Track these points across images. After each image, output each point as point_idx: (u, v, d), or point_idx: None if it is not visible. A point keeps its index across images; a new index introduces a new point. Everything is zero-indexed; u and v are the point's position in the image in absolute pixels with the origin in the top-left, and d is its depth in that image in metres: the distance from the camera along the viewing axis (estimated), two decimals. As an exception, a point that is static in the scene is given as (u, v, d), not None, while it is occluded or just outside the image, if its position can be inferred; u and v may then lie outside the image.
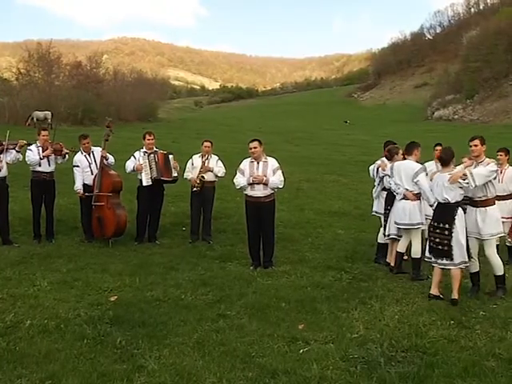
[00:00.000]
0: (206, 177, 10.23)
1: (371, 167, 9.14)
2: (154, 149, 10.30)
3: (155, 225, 10.44)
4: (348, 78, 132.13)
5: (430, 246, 7.34)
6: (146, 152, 10.20)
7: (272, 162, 8.58)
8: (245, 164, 8.64)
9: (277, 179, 8.45)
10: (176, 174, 10.17)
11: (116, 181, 10.09)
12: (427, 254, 7.41)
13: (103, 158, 10.15)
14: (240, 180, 8.53)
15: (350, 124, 60.13)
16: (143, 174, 10.01)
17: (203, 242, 10.28)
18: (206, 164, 10.30)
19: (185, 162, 10.77)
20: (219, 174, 10.37)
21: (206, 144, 10.48)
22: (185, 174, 10.45)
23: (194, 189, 10.29)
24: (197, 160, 10.47)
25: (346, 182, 19.31)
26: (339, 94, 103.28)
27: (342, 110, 77.59)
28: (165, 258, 9.13)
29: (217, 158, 10.53)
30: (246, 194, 8.69)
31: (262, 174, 8.39)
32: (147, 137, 10.26)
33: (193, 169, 10.44)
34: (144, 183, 10.03)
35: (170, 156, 10.23)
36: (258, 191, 8.48)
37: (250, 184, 8.36)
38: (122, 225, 10.02)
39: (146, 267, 8.53)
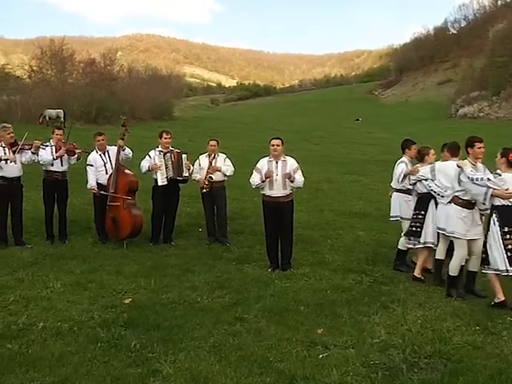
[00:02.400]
0: (214, 177, 10.20)
1: (398, 172, 8.84)
2: (170, 148, 10.33)
3: (171, 225, 10.46)
4: (368, 75, 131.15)
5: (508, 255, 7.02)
6: (161, 151, 10.23)
7: (291, 162, 8.59)
8: (262, 163, 8.64)
9: (299, 179, 8.50)
10: (187, 174, 10.20)
11: (132, 180, 10.12)
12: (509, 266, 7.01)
13: (120, 148, 10.13)
14: (256, 179, 8.53)
15: (362, 121, 59.71)
16: (158, 174, 10.05)
17: (220, 244, 10.27)
18: (213, 164, 10.29)
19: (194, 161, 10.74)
20: (227, 173, 10.34)
21: (211, 143, 10.45)
22: (193, 175, 10.46)
23: (203, 190, 10.29)
24: (204, 160, 10.45)
25: (366, 182, 19.21)
26: (359, 91, 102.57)
27: (363, 107, 76.95)
28: (180, 260, 9.14)
29: (224, 156, 10.49)
30: (263, 194, 8.68)
31: (281, 173, 8.39)
32: (164, 135, 10.28)
33: (200, 169, 10.43)
34: (159, 183, 10.06)
35: (184, 155, 10.29)
36: (277, 191, 8.46)
37: (263, 181, 8.36)
38: (138, 226, 10.06)
39: (161, 269, 8.54)
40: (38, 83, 44.47)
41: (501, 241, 7.00)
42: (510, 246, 6.96)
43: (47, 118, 34.93)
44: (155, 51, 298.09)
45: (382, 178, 17.90)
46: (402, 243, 8.88)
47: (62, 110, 35.75)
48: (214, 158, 10.35)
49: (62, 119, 34.66)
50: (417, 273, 8.30)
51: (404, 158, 8.91)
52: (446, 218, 7.74)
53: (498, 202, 7.09)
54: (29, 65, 48.23)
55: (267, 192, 8.55)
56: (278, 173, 8.43)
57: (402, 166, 8.75)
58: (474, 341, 5.96)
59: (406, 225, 8.85)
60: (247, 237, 10.94)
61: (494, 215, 7.14)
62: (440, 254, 8.19)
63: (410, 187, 8.75)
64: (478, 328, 6.33)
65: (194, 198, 13.15)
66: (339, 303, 7.06)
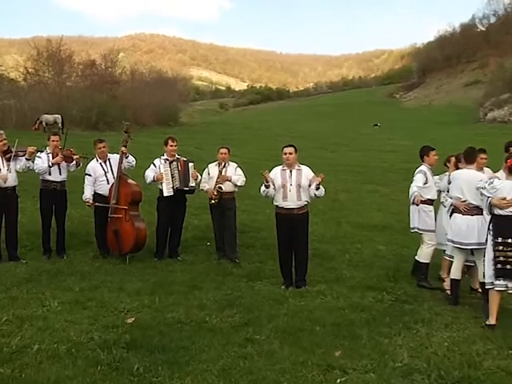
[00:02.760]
0: (223, 187, 10.18)
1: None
2: (176, 156, 10.33)
3: (177, 239, 10.43)
4: (389, 77, 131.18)
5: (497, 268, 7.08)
6: (167, 159, 10.24)
7: (306, 171, 8.61)
8: (275, 172, 8.65)
9: (322, 193, 8.58)
10: (194, 184, 10.19)
11: (135, 191, 10.09)
12: (495, 280, 7.09)
13: (123, 156, 10.14)
14: (269, 190, 8.52)
15: (381, 127, 59.62)
16: (164, 184, 10.03)
17: (229, 260, 10.23)
18: (223, 173, 10.28)
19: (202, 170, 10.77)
20: (238, 183, 10.31)
21: (222, 151, 10.44)
22: (201, 185, 10.43)
23: (212, 201, 10.27)
24: (213, 169, 10.44)
25: (386, 192, 19.15)
26: (379, 95, 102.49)
27: (382, 111, 76.84)
28: (187, 276, 9.09)
29: (235, 165, 10.50)
30: (276, 206, 8.65)
31: (295, 183, 8.41)
32: (170, 143, 10.29)
33: (209, 179, 10.41)
34: (165, 193, 10.03)
35: (190, 164, 10.29)
36: (291, 202, 8.45)
37: (267, 186, 8.38)
38: (142, 239, 10.03)
39: (166, 286, 8.48)
40: (33, 86, 44.25)
41: (492, 252, 7.12)
42: (501, 258, 7.03)
43: (44, 123, 34.90)
44: (160, 52, 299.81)
45: (403, 187, 17.54)
46: (424, 255, 8.79)
47: (59, 115, 35.70)
48: (224, 166, 10.35)
49: (60, 125, 34.62)
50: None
51: (423, 167, 8.96)
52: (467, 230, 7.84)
53: (496, 211, 7.18)
54: (24, 66, 48.03)
55: (280, 203, 8.53)
56: (292, 182, 8.43)
57: (419, 178, 8.79)
58: (507, 366, 5.85)
59: (425, 237, 8.89)
60: (259, 251, 10.86)
61: (490, 224, 7.25)
62: (457, 273, 8.13)
63: (430, 197, 8.84)
64: (511, 352, 6.22)
65: (201, 210, 13.02)
66: (358, 323, 6.98)
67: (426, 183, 8.86)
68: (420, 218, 8.90)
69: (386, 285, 8.78)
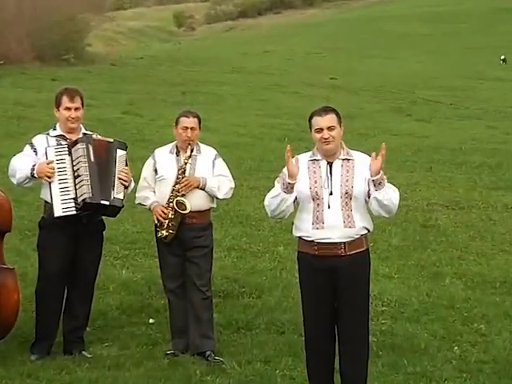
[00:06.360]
0: (188, 204, 6.32)
1: None
2: (83, 130, 6.44)
3: (81, 311, 6.44)
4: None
5: None
6: (61, 137, 6.32)
7: (362, 164, 5.56)
8: (298, 166, 5.60)
9: (392, 198, 5.50)
10: (121, 196, 6.31)
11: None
12: None
13: None
14: (288, 199, 5.49)
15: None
16: (54, 190, 6.17)
17: (198, 357, 6.24)
18: (187, 172, 6.47)
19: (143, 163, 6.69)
20: (220, 194, 6.53)
21: (184, 123, 6.46)
22: (137, 195, 6.52)
23: (164, 232, 6.41)
24: (166, 162, 6.56)
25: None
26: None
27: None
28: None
29: (213, 153, 6.68)
30: (299, 238, 5.57)
31: (341, 188, 5.45)
32: (66, 101, 6.34)
33: (157, 183, 6.50)
34: (56, 212, 6.16)
35: (120, 153, 6.34)
36: (331, 230, 5.40)
37: (286, 188, 5.49)
38: (9, 313, 6.27)
39: None
40: None
41: None
42: None
43: None
44: None
45: None
46: None
47: None
48: (189, 157, 6.43)
49: None
50: None
51: None
52: None
53: None
54: None
55: (309, 233, 5.47)
56: (335, 188, 5.44)
57: None
58: None
59: None
60: (261, 337, 6.69)
61: None
62: None
63: None
64: None
65: (135, 248, 8.77)
66: None
67: None
68: None
69: None
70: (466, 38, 44.08)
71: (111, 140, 6.31)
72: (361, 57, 37.40)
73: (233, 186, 6.45)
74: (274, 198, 5.34)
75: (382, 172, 5.11)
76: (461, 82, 29.12)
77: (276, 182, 5.46)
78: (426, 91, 25.88)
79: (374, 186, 5.21)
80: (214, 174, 6.33)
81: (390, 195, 5.26)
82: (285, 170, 5.42)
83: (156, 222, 6.26)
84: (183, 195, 6.16)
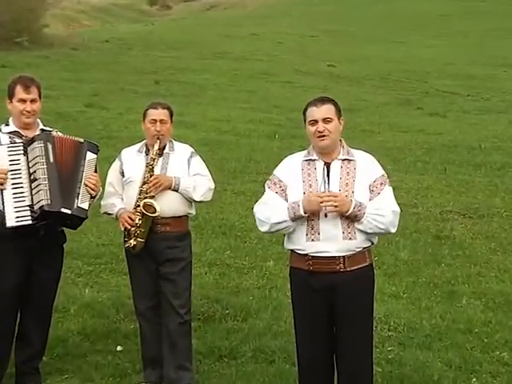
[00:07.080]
0: (158, 207, 5.78)
1: None
2: (41, 126, 5.95)
3: (38, 337, 5.96)
4: None
5: None
6: (17, 134, 5.85)
7: (364, 164, 5.18)
8: (291, 168, 5.23)
9: (388, 211, 5.03)
10: (86, 206, 5.81)
11: None
12: None
13: None
14: (274, 212, 5.09)
15: None
16: (7, 196, 5.70)
17: None
18: (157, 170, 5.94)
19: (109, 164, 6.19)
20: (195, 196, 5.96)
21: (152, 115, 5.96)
22: (103, 203, 6.06)
23: (131, 241, 5.82)
24: (134, 162, 6.05)
25: None
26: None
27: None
28: None
29: (188, 150, 6.16)
30: (293, 252, 5.14)
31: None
32: (20, 92, 5.97)
33: (125, 186, 5.98)
34: (9, 222, 5.65)
35: (90, 156, 5.91)
36: (328, 243, 4.99)
37: (295, 218, 4.97)
38: None
39: None
40: None
41: None
42: None
43: None
44: None
45: None
46: None
47: None
48: (159, 154, 5.92)
49: None
50: None
51: None
52: None
53: None
54: None
55: (306, 247, 5.04)
56: (331, 190, 5.12)
57: None
58: None
59: None
60: (248, 366, 6.26)
61: None
62: None
63: None
64: None
65: (103, 264, 8.31)
66: None
67: None
68: None
69: None
70: (486, 18, 40.70)
71: (81, 140, 5.72)
72: (363, 40, 34.68)
73: (212, 186, 5.85)
74: (278, 225, 4.98)
75: (352, 205, 4.75)
76: (480, 69, 27.09)
77: (267, 187, 5.07)
78: (440, 80, 24.50)
79: (352, 221, 4.91)
80: (190, 174, 5.76)
81: (373, 223, 4.89)
82: (279, 173, 5.06)
83: (122, 229, 5.67)
84: (152, 197, 5.59)
